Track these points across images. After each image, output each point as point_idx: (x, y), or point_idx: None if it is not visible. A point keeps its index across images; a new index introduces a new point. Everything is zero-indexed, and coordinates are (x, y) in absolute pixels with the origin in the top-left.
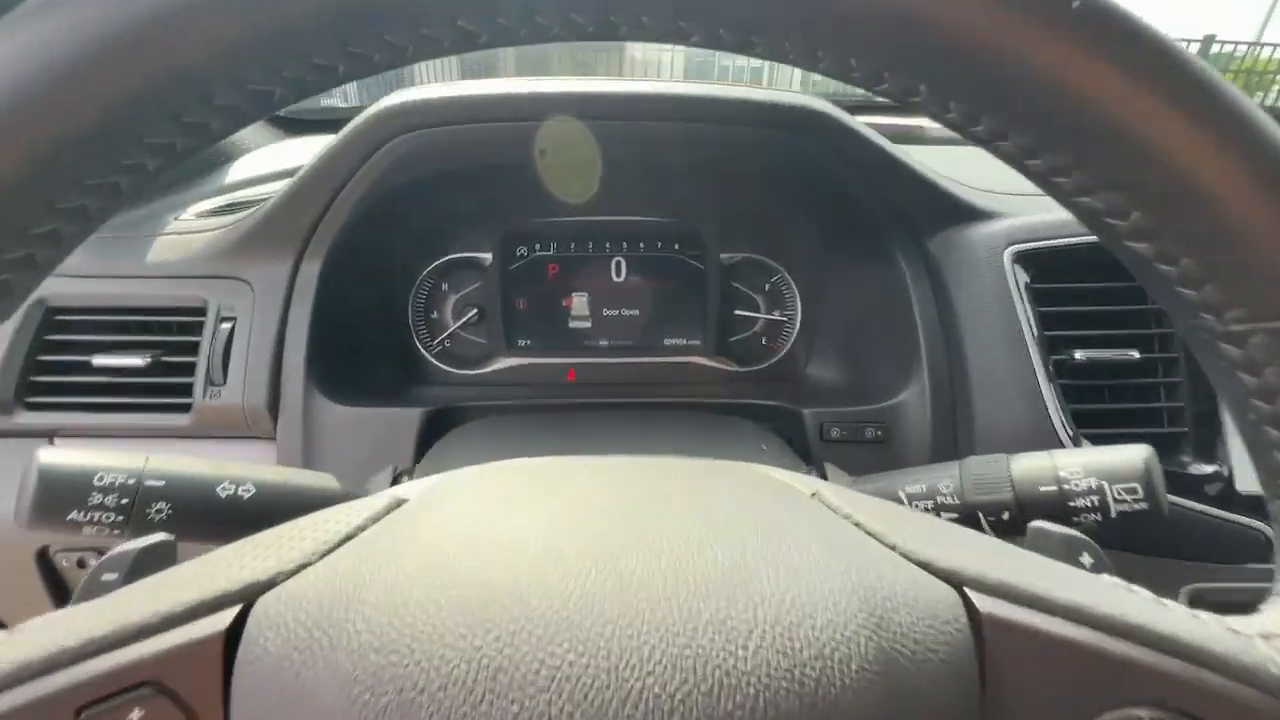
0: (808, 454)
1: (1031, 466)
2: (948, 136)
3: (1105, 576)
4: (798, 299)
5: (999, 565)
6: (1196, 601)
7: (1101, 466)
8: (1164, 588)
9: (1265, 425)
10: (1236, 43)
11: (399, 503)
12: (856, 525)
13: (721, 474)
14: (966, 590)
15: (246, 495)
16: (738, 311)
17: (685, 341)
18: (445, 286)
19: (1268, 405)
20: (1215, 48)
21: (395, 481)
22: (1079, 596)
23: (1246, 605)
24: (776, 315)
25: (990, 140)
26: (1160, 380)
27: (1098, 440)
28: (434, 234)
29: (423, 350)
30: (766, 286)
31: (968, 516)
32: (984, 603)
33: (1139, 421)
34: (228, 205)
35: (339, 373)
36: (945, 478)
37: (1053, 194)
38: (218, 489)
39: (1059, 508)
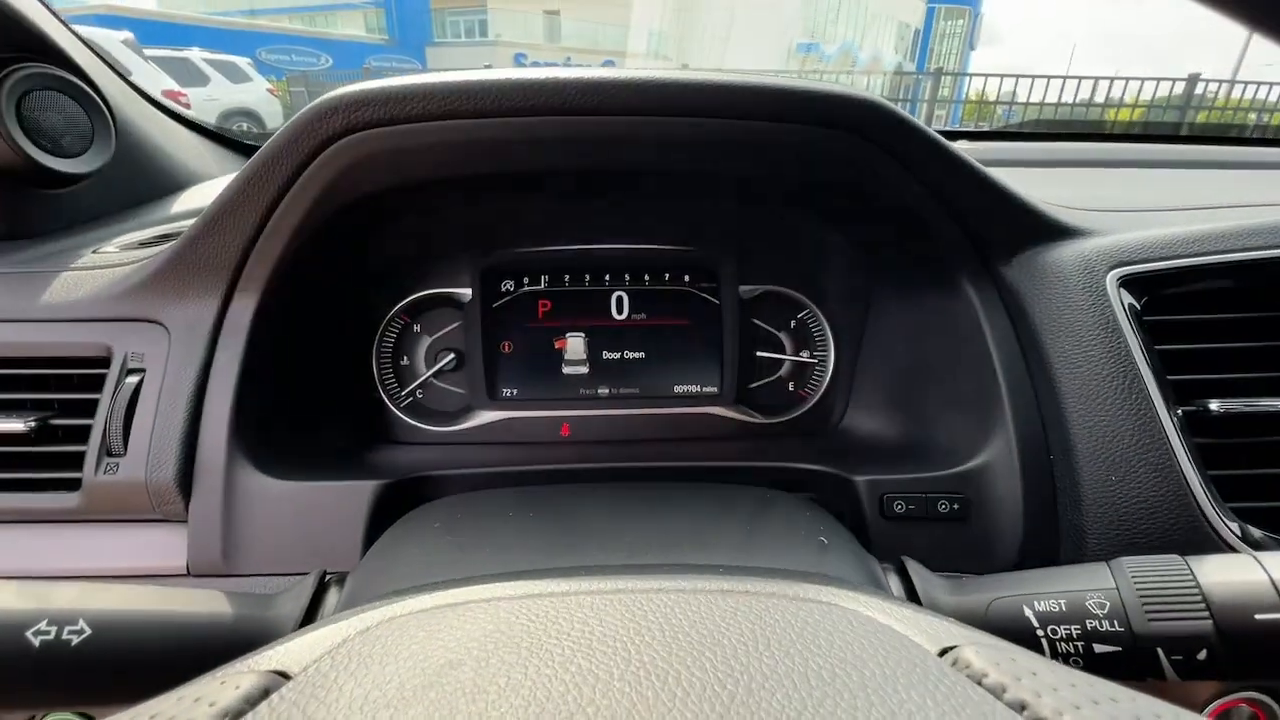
0: (863, 532)
1: (1237, 581)
2: (988, 158)
3: None
4: (829, 337)
5: None
6: None
7: None
8: None
9: None
10: (1220, 81)
11: (271, 688)
12: None
13: (794, 630)
14: None
15: (75, 640)
16: (759, 353)
17: (699, 389)
18: (417, 328)
19: None
20: (1200, 87)
21: (320, 590)
22: None
23: None
24: (805, 357)
25: None
26: None
27: (1256, 518)
28: (403, 265)
29: (389, 403)
30: (792, 324)
31: (1137, 652)
32: None
33: None
34: (161, 237)
35: (274, 436)
36: (1093, 590)
37: None
38: (29, 634)
39: None
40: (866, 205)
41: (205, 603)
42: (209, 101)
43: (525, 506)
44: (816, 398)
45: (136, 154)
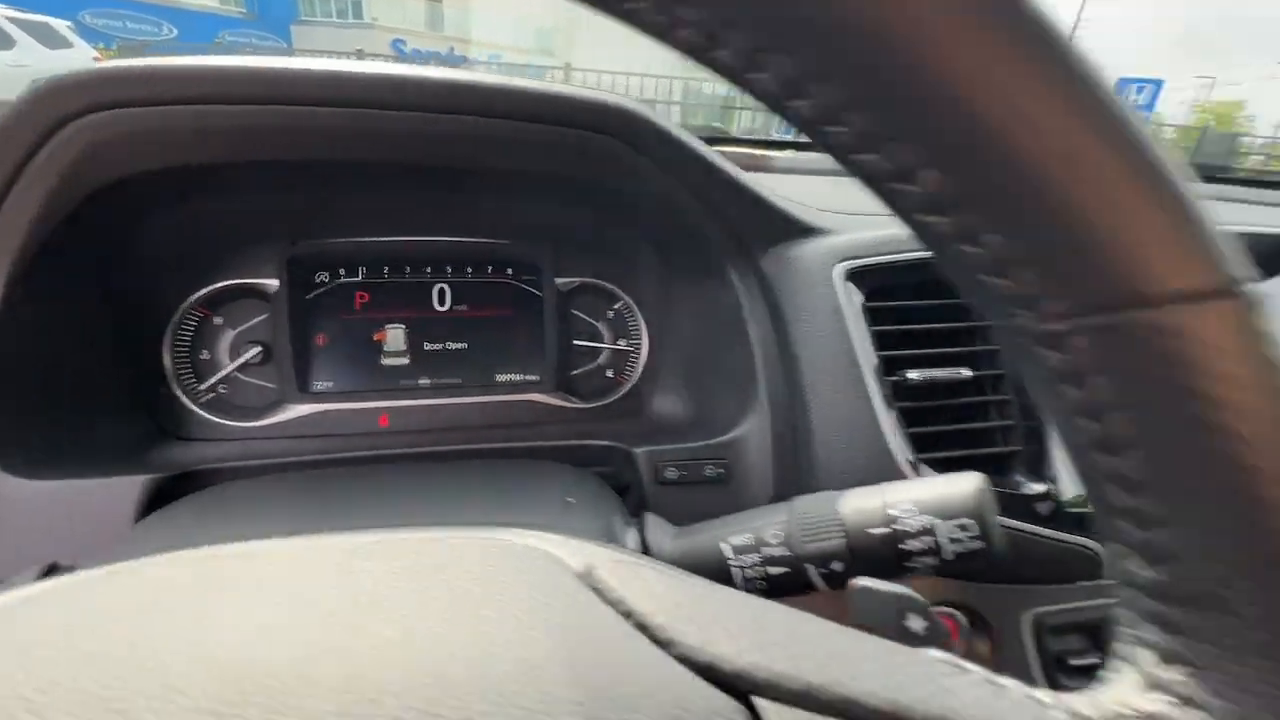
0: (643, 500)
1: (862, 507)
2: (795, 165)
3: (933, 653)
4: (643, 327)
5: (803, 660)
6: (1041, 630)
7: (933, 501)
8: (1006, 614)
9: (1093, 451)
10: None
11: None
12: (627, 615)
13: (458, 552)
14: (755, 701)
15: None
16: (578, 342)
17: (521, 377)
18: (219, 320)
19: (1095, 424)
20: None
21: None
22: (902, 694)
23: (1093, 629)
24: (622, 345)
25: (743, 72)
26: (990, 398)
27: (938, 466)
28: (196, 253)
29: (185, 399)
30: (610, 314)
31: (798, 570)
32: (778, 715)
33: (975, 443)
34: None
35: (27, 435)
36: (773, 524)
37: (828, 150)
38: None
39: (892, 552)
40: (645, 202)
41: None
42: (16, 68)
43: (300, 492)
44: (631, 383)
45: None
